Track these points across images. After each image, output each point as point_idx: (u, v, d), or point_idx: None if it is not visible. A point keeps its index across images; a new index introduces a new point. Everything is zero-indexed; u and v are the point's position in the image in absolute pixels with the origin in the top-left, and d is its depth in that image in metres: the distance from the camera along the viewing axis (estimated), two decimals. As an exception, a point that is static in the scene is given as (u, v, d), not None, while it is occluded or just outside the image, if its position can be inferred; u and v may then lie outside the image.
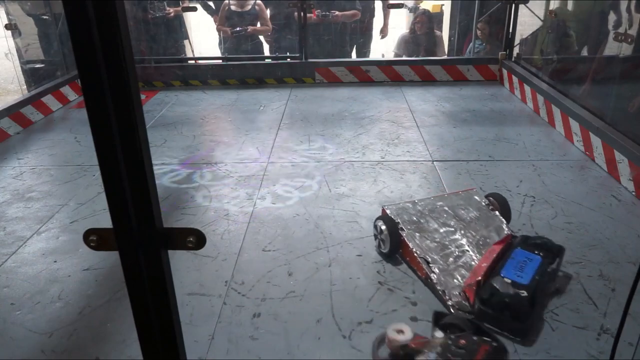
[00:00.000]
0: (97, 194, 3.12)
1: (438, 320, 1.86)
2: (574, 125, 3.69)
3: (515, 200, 2.92)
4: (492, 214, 2.48)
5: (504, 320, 1.89)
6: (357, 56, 5.99)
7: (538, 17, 5.10)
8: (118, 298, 2.19)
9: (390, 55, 6.31)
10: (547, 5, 4.98)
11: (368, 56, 6.07)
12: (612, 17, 4.32)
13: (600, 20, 4.47)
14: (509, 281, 1.92)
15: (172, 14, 5.72)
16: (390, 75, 5.48)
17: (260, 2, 5.70)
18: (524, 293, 1.88)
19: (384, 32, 6.17)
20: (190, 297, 2.19)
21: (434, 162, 3.46)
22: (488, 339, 1.72)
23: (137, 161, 0.86)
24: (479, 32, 5.64)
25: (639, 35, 3.59)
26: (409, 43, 5.92)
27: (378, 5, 6.10)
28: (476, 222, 2.43)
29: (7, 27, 4.80)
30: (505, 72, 5.22)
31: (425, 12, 6.03)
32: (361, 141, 3.87)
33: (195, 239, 0.93)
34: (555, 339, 1.90)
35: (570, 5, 4.99)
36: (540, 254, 2.09)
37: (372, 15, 5.96)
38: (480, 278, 1.97)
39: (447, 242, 2.30)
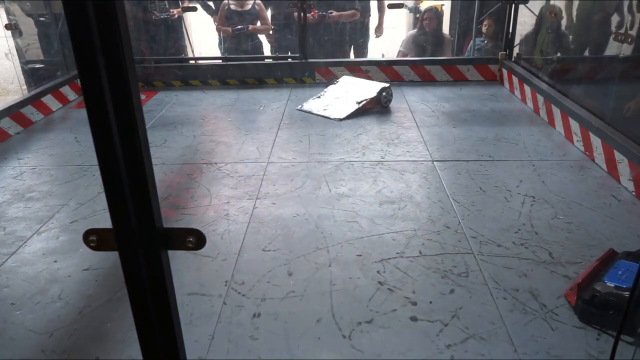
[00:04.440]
0: (97, 194, 3.12)
1: None
2: (574, 125, 3.69)
3: (515, 200, 2.92)
4: None
5: (608, 318, 1.93)
6: (355, 56, 5.99)
7: (538, 17, 5.10)
8: (118, 298, 2.19)
9: (390, 55, 6.29)
10: (547, 5, 4.97)
11: (365, 56, 6.07)
12: (614, 18, 4.31)
13: (600, 20, 4.47)
14: (612, 285, 1.98)
15: (175, 16, 5.72)
16: (390, 75, 5.48)
17: (260, 1, 5.70)
18: (627, 293, 1.91)
19: (379, 32, 6.17)
20: (190, 297, 2.19)
21: (434, 162, 3.46)
22: None
23: (137, 161, 0.86)
24: (484, 29, 5.61)
25: (639, 35, 3.59)
26: (417, 42, 5.90)
27: (374, 5, 6.10)
28: None
29: (7, 27, 4.80)
30: (505, 72, 5.22)
31: (433, 8, 5.99)
32: (361, 141, 3.87)
33: (195, 239, 0.93)
34: (555, 339, 1.90)
35: (569, 6, 4.99)
36: None
37: (369, 15, 5.96)
38: (580, 281, 2.03)
39: None
